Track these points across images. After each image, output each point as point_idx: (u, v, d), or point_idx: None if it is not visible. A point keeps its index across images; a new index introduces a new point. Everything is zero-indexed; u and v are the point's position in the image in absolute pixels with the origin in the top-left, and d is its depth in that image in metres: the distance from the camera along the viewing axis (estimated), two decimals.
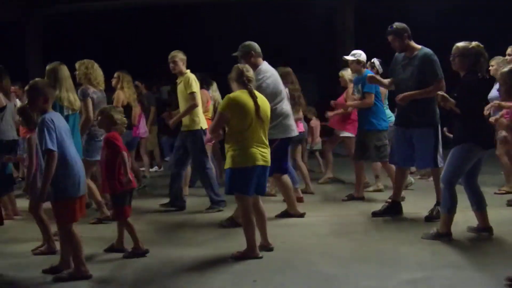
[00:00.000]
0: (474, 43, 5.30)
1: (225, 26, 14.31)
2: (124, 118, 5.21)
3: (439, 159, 6.09)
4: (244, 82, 4.94)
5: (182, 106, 7.03)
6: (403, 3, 12.76)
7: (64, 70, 5.96)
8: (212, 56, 12.88)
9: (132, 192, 5.24)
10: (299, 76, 7.93)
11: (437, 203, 5.96)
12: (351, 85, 8.39)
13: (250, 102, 4.85)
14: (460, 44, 5.36)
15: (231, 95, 4.89)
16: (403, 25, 6.16)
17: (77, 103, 6.10)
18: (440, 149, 6.14)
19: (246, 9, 14.61)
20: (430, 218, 6.01)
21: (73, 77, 6.34)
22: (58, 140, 4.27)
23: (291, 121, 6.30)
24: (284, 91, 6.27)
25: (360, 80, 7.41)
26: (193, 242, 5.56)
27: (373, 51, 7.81)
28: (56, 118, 4.38)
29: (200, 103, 7.10)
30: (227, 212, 6.40)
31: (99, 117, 5.25)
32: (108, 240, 5.30)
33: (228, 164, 4.86)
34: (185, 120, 7.03)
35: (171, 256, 5.07)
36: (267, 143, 4.97)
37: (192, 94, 6.86)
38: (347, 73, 8.42)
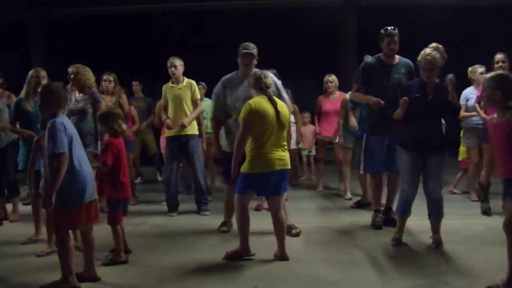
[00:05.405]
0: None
1: (224, 32, 14.33)
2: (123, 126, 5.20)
3: (362, 166, 6.58)
4: (262, 88, 5.02)
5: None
6: (404, 11, 12.78)
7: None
8: (212, 62, 12.92)
9: (127, 200, 5.28)
10: (301, 83, 7.89)
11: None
12: (338, 92, 8.50)
13: (269, 108, 4.92)
14: None
15: (251, 101, 4.95)
16: None
17: None
18: (365, 156, 6.40)
19: (246, 15, 14.63)
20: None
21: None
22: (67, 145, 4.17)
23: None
24: (287, 97, 6.05)
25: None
26: (194, 248, 5.54)
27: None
28: (66, 122, 4.28)
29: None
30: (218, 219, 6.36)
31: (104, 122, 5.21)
32: (108, 245, 5.22)
33: (245, 168, 4.92)
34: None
35: (172, 262, 5.05)
36: (286, 146, 5.05)
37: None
38: (334, 78, 8.59)
